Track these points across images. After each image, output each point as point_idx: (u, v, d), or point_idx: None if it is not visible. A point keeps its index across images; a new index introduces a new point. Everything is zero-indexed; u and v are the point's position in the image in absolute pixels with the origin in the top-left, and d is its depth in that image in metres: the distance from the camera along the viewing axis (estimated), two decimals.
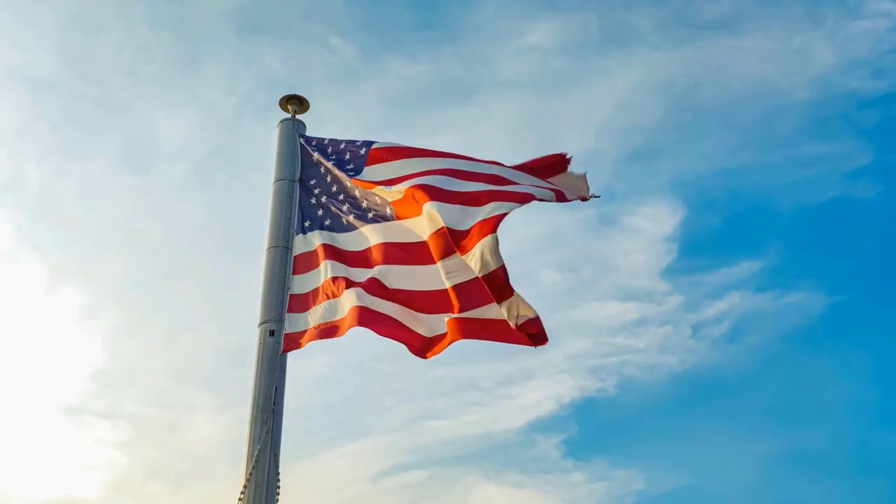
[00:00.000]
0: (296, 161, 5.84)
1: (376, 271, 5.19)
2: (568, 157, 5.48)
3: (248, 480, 4.71)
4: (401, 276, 5.15)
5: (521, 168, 5.54)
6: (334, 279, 5.25)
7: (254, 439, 4.87)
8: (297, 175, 5.80)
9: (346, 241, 5.51)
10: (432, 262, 4.99)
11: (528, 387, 20.31)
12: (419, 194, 5.05)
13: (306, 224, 5.61)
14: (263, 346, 5.18)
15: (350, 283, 5.17)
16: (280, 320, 5.22)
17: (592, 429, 20.62)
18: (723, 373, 21.27)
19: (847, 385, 20.94)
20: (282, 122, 6.02)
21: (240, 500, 4.68)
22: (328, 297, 5.20)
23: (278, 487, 4.77)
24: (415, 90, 20.67)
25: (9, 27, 18.48)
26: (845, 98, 21.24)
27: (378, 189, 5.40)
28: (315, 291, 5.31)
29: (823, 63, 20.89)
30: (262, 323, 5.27)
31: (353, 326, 4.91)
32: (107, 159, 20.00)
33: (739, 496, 18.34)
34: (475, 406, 20.01)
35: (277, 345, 5.14)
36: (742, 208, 22.41)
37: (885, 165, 21.13)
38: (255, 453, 4.79)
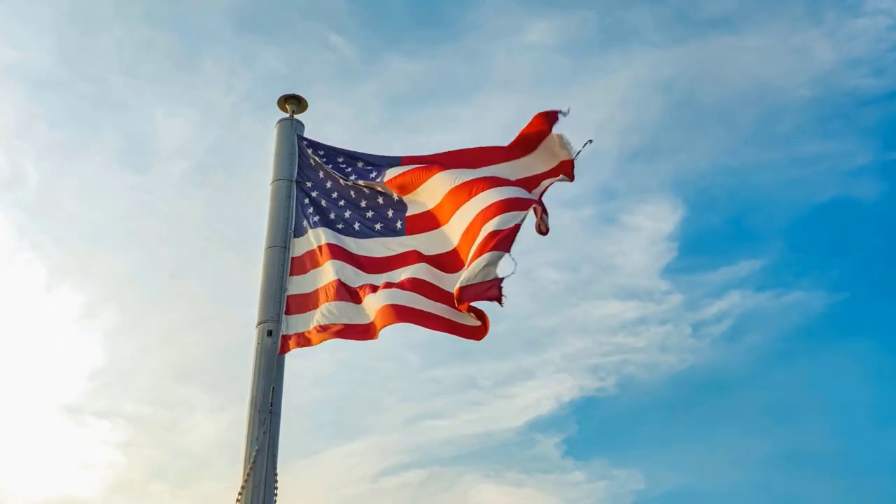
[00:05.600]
0: (294, 161, 5.83)
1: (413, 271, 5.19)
2: (556, 113, 5.36)
3: (245, 481, 4.70)
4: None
5: (509, 154, 5.52)
6: (341, 283, 5.20)
7: (251, 440, 4.85)
8: (296, 176, 5.79)
9: (356, 246, 5.46)
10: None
11: (528, 386, 20.33)
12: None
13: (304, 225, 5.59)
14: (261, 346, 5.16)
15: (374, 288, 5.12)
16: (278, 320, 5.20)
17: (592, 428, 20.62)
18: (723, 372, 21.27)
19: (847, 384, 20.93)
20: (280, 122, 6.00)
21: (237, 501, 4.68)
22: (341, 300, 5.15)
23: (276, 488, 4.76)
24: (414, 88, 20.64)
25: (7, 26, 18.47)
26: (845, 96, 21.23)
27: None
28: (316, 292, 5.29)
29: (824, 61, 20.88)
30: (259, 323, 5.26)
31: (393, 323, 4.87)
32: (106, 158, 19.97)
33: (739, 496, 18.33)
34: (475, 405, 20.02)
35: (275, 345, 5.12)
36: (742, 207, 22.39)
37: (885, 164, 21.11)
38: (253, 454, 4.77)
